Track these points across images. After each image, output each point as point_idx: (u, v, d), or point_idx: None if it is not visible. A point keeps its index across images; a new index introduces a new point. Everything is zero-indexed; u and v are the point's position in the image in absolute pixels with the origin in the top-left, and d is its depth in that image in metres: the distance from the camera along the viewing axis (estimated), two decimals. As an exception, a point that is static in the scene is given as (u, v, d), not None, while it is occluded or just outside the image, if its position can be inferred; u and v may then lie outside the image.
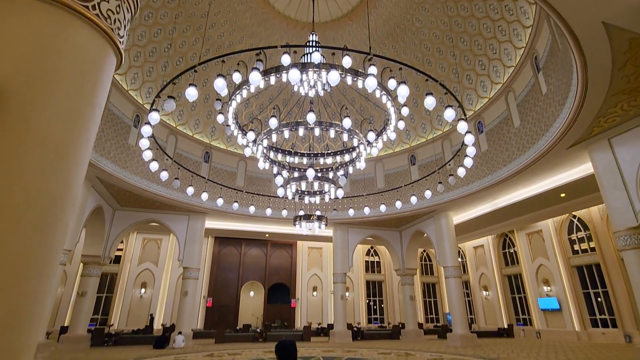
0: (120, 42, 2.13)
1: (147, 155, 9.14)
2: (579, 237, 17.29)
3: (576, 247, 17.36)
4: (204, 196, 11.93)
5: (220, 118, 8.74)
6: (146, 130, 8.08)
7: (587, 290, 16.62)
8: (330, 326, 19.59)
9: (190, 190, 11.50)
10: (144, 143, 8.49)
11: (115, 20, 2.03)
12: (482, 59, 13.75)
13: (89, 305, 14.60)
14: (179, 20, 13.50)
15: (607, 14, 6.06)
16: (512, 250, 20.93)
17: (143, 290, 20.39)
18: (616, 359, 9.88)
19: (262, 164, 9.84)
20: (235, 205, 13.19)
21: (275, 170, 10.55)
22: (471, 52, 13.85)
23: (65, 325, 16.74)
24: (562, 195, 13.91)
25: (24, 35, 1.58)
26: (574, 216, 17.33)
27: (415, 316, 19.11)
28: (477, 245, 23.42)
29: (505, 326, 19.85)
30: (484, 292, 22.41)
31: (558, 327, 17.30)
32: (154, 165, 9.70)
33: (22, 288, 1.44)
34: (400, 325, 20.27)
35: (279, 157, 10.43)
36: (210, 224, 18.52)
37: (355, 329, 18.87)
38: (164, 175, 10.28)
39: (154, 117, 7.67)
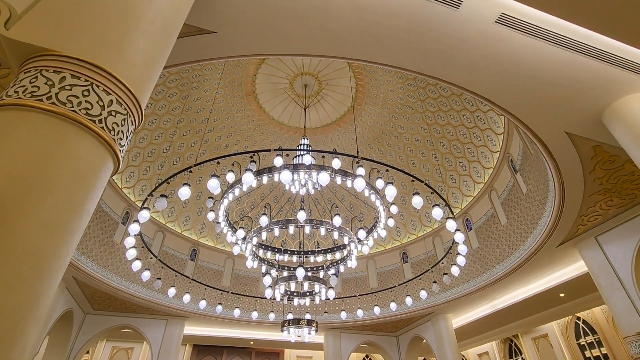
0: (120, 150, 2.22)
1: (131, 254, 8.83)
2: (587, 342, 16.12)
3: (587, 353, 16.05)
4: (186, 298, 11.17)
5: (210, 215, 8.76)
6: (134, 228, 7.95)
7: (610, 407, 14.79)
8: None
9: (171, 291, 10.82)
10: (130, 241, 8.27)
11: (118, 132, 2.15)
12: (462, 161, 14.71)
13: None
14: (180, 125, 14.56)
15: (568, 126, 6.76)
16: (520, 358, 19.17)
17: (102, 414, 17.42)
18: None
19: (251, 263, 9.52)
20: (219, 307, 12.31)
21: (263, 269, 10.17)
22: (451, 154, 14.90)
23: None
24: (562, 295, 13.43)
25: (29, 147, 1.64)
26: (579, 318, 16.45)
27: None
28: (482, 352, 21.48)
29: None
30: (496, 411, 19.73)
31: None
32: (137, 265, 9.29)
33: None
34: None
35: (269, 254, 10.17)
36: (190, 329, 16.93)
37: None
38: (146, 275, 9.77)
39: (144, 215, 7.64)
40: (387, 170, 8.95)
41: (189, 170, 8.45)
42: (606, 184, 7.96)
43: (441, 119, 14.23)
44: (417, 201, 7.38)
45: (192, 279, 14.03)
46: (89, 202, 1.88)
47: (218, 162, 8.25)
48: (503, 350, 20.05)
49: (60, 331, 13.31)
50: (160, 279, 11.14)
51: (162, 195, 7.55)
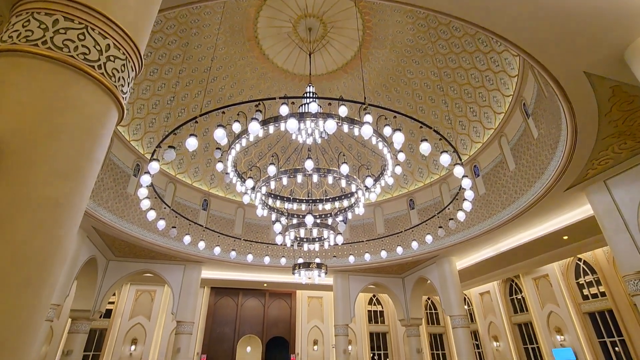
0: (123, 97, 2.20)
1: (145, 204, 9.11)
2: (587, 281, 16.77)
3: (585, 291, 16.78)
4: (201, 245, 11.70)
5: (219, 166, 8.85)
6: (145, 179, 8.12)
7: (602, 339, 15.78)
8: (333, 384, 18.26)
9: (187, 239, 11.31)
10: (143, 192, 8.50)
11: (119, 78, 2.10)
12: (472, 106, 14.28)
13: (74, 365, 13.68)
14: (182, 75, 14.19)
15: (587, 65, 6.41)
16: (519, 297, 20.18)
17: (133, 347, 19.25)
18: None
19: (261, 211, 9.79)
20: (233, 253, 12.91)
21: (273, 217, 10.48)
22: (462, 100, 14.43)
23: (47, 388, 15.57)
24: (565, 237, 13.72)
25: (29, 95, 1.62)
26: (580, 259, 16.95)
27: (423, 371, 17.89)
28: (483, 292, 22.61)
29: (520, 381, 18.55)
30: (495, 343, 21.23)
31: (576, 381, 16.17)
32: (152, 215, 9.63)
33: (4, 348, 1.34)
34: (408, 382, 18.91)
35: (278, 203, 10.41)
36: (207, 273, 17.98)
37: (359, 387, 17.58)
38: (161, 224, 10.16)
39: (154, 166, 7.76)
40: (395, 117, 8.76)
41: (194, 120, 8.39)
42: (621, 126, 7.72)
43: (452, 62, 13.57)
44: (424, 148, 7.31)
45: (205, 227, 14.60)
46: (98, 150, 1.91)
47: (223, 112, 8.13)
48: (504, 290, 21.06)
49: (87, 276, 14.28)
50: (175, 227, 11.59)
51: (170, 147, 7.59)
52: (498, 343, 21.01)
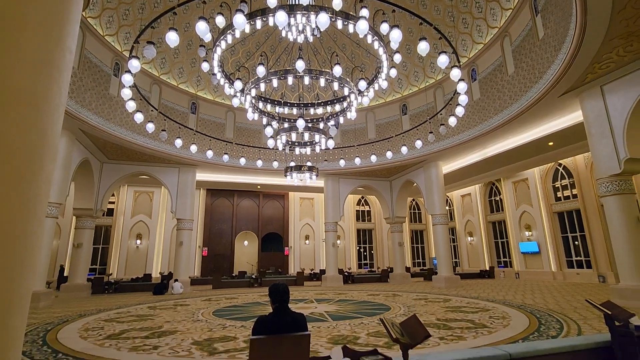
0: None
1: (131, 105, 8.82)
2: (562, 184, 17.84)
3: (559, 194, 17.99)
4: (193, 148, 11.75)
5: (205, 66, 8.34)
6: (127, 79, 7.70)
7: (566, 234, 17.53)
8: (322, 272, 20.58)
9: (178, 142, 11.30)
10: (126, 93, 8.14)
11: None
12: (479, 0, 13.05)
13: (86, 256, 14.96)
14: (153, -46, 12.28)
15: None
16: (497, 198, 21.61)
17: (139, 241, 20.85)
18: (578, 293, 10.71)
19: (251, 115, 9.61)
20: (226, 157, 13.09)
21: (264, 121, 10.35)
22: (469, -8, 13.08)
23: (65, 275, 17.27)
24: (550, 144, 14.07)
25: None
26: (560, 164, 17.72)
27: (403, 261, 20.09)
28: (465, 194, 24.08)
29: (487, 268, 21.11)
30: (469, 238, 23.49)
31: (536, 268, 18.48)
32: (139, 117, 9.40)
33: (7, 241, 1.44)
34: (389, 270, 21.40)
35: (268, 107, 10.18)
36: (201, 176, 18.51)
37: (346, 273, 19.87)
38: (150, 127, 10.01)
39: (134, 64, 7.28)
40: (393, 12, 8.02)
41: (172, 12, 7.58)
42: (632, 25, 7.24)
43: (464, -57, 11.86)
44: (423, 47, 6.88)
45: (196, 131, 14.49)
46: (68, 38, 1.75)
47: (204, 2, 7.32)
48: (484, 192, 22.42)
49: (83, 177, 14.60)
50: (164, 130, 11.47)
51: (149, 42, 7.01)
52: (472, 238, 23.25)
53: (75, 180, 14.42)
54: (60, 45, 1.73)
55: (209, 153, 12.68)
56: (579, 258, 16.88)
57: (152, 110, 14.33)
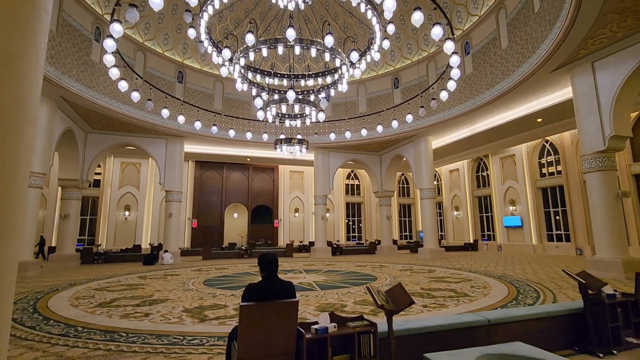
0: None
1: (114, 73, 8.48)
2: (548, 160, 18.17)
3: (544, 170, 18.36)
4: (181, 119, 11.49)
5: (191, 33, 8.00)
6: (109, 44, 7.35)
7: (548, 209, 18.07)
8: (311, 244, 20.94)
9: (165, 112, 11.03)
10: (109, 59, 7.80)
11: None
12: (477, -30, 12.67)
13: (73, 226, 14.87)
14: None
15: None
16: (485, 174, 21.96)
17: (127, 212, 20.74)
18: (556, 265, 11.22)
19: (240, 85, 9.37)
20: (214, 128, 12.88)
21: (254, 92, 10.12)
22: (466, -40, 12.65)
23: (52, 245, 17.21)
24: (539, 120, 14.19)
25: None
26: (547, 141, 17.96)
27: (391, 234, 20.54)
28: (453, 169, 24.38)
29: (471, 241, 21.77)
30: (455, 212, 24.03)
31: (518, 242, 19.14)
32: (123, 85, 9.09)
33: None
34: (377, 242, 21.89)
35: (258, 78, 9.92)
36: (190, 147, 18.23)
37: (334, 245, 20.27)
38: (135, 96, 9.71)
39: (116, 29, 6.95)
40: (388, -21, 7.73)
41: (156, -28, 7.16)
42: (627, 1, 7.17)
43: None
44: (417, 17, 6.70)
45: (183, 101, 14.13)
46: (42, -5, 1.65)
47: (189, -37, 6.91)
48: (472, 167, 22.72)
49: (67, 147, 14.24)
50: (151, 100, 11.14)
51: (131, 5, 6.65)
52: (458, 212, 23.78)
53: (59, 151, 14.07)
54: (35, 4, 1.63)
55: (197, 124, 12.42)
56: (558, 232, 17.51)
57: (136, 79, 13.85)
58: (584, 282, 3.74)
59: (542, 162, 18.49)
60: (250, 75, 9.65)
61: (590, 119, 9.33)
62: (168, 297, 6.89)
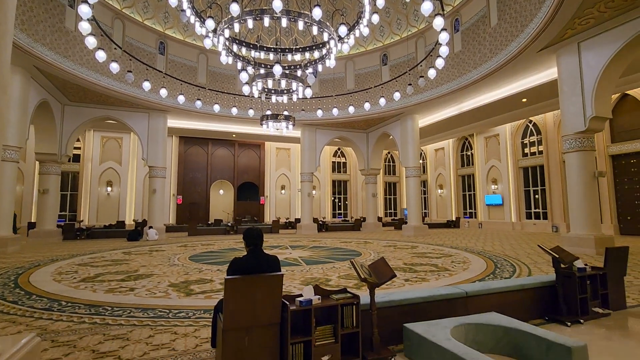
0: None
1: (91, 42, 8.06)
2: (530, 141, 18.54)
3: (527, 150, 18.76)
4: (163, 92, 11.13)
5: (172, 0, 7.63)
6: (84, 10, 6.95)
7: (528, 188, 18.61)
8: (298, 220, 21.11)
9: (146, 85, 10.65)
10: (85, 27, 7.39)
11: None
12: (469, -57, 12.34)
13: (53, 202, 14.54)
14: None
15: None
16: (469, 153, 22.30)
17: (109, 188, 20.34)
18: (532, 241, 11.68)
19: (225, 58, 9.09)
20: (199, 103, 12.55)
21: (239, 65, 9.85)
22: None
23: (32, 221, 16.84)
24: (524, 100, 14.34)
25: None
26: (530, 121, 18.26)
27: (376, 211, 20.85)
28: (438, 148, 24.64)
29: (454, 219, 22.34)
30: (439, 190, 24.49)
31: (498, 219, 19.76)
32: (101, 55, 8.70)
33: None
34: (362, 219, 22.23)
35: (243, 51, 9.61)
36: (173, 122, 17.78)
37: (320, 222, 20.50)
38: (114, 67, 9.30)
39: (92, -7, 6.55)
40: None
41: None
42: (617, -20, 7.16)
43: None
44: (407, -9, 6.56)
45: (165, 74, 13.66)
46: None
47: None
48: (457, 146, 23.01)
49: (43, 121, 13.68)
50: (131, 72, 10.70)
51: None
52: (442, 190, 24.25)
53: (34, 124, 13.52)
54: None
55: (181, 98, 12.09)
56: (537, 210, 18.14)
57: (115, 49, 13.25)
58: (557, 256, 3.91)
59: (524, 142, 18.86)
60: (235, 48, 9.33)
61: (573, 100, 9.48)
62: (153, 272, 6.90)
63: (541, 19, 8.82)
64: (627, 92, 14.02)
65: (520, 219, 18.64)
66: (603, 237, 9.08)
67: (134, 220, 19.15)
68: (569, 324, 3.62)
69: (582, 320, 3.69)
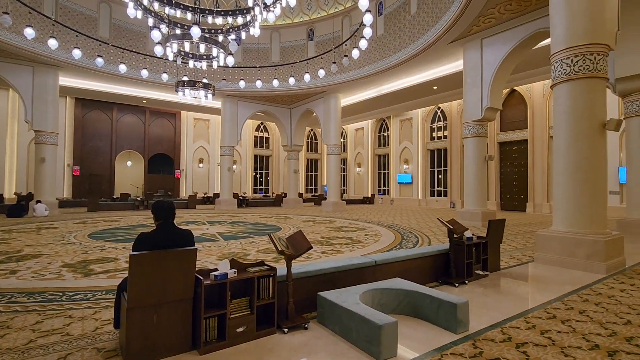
0: None
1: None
2: (438, 126, 20.49)
3: (434, 134, 20.71)
4: (52, 43, 9.40)
5: None
6: None
7: (433, 168, 20.70)
8: (217, 196, 20.35)
9: (29, 32, 8.90)
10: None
11: None
12: None
13: None
14: None
15: None
16: (386, 134, 23.76)
17: (-19, 155, 16.90)
18: (434, 216, 13.20)
19: (133, 12, 8.03)
20: (100, 60, 10.95)
21: (150, 22, 8.77)
22: None
23: None
24: (435, 87, 15.65)
25: None
26: (439, 108, 20.10)
27: (297, 187, 21.15)
28: (358, 128, 25.74)
29: (369, 195, 23.87)
30: (357, 168, 25.79)
31: (407, 196, 21.70)
32: (-38, -14, 6.93)
33: None
34: (283, 195, 22.37)
35: (156, 6, 8.56)
36: (68, 81, 15.29)
37: (240, 198, 20.07)
38: (-17, 4, 7.52)
39: None
40: None
41: None
42: (514, -14, 8.08)
43: None
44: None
45: (55, 21, 11.56)
46: None
47: None
48: (375, 127, 24.32)
49: None
50: (7, 13, 8.76)
51: None
52: (360, 168, 25.58)
53: None
54: None
55: (76, 52, 10.35)
56: (439, 188, 20.37)
57: (-16, -18, 10.69)
58: (451, 227, 4.46)
59: (433, 126, 20.76)
60: (146, 1, 8.28)
61: (474, 91, 10.66)
62: (42, 252, 6.05)
63: (453, 12, 9.59)
64: (515, 87, 16.26)
65: (425, 196, 20.74)
66: (488, 211, 10.63)
67: (15, 194, 16.37)
68: (457, 284, 4.20)
69: (467, 282, 4.32)
